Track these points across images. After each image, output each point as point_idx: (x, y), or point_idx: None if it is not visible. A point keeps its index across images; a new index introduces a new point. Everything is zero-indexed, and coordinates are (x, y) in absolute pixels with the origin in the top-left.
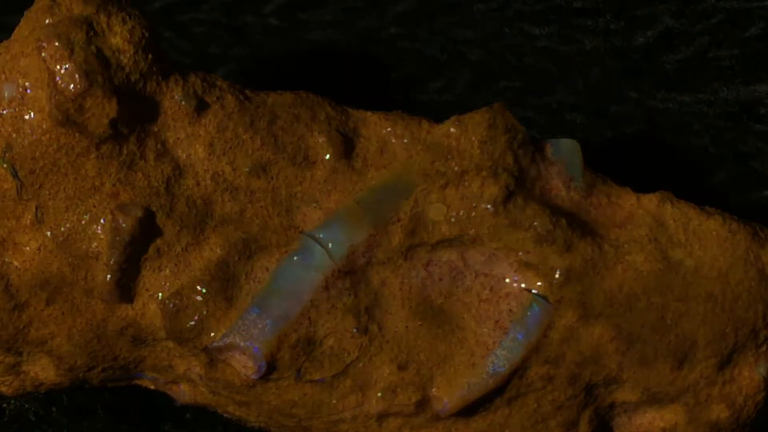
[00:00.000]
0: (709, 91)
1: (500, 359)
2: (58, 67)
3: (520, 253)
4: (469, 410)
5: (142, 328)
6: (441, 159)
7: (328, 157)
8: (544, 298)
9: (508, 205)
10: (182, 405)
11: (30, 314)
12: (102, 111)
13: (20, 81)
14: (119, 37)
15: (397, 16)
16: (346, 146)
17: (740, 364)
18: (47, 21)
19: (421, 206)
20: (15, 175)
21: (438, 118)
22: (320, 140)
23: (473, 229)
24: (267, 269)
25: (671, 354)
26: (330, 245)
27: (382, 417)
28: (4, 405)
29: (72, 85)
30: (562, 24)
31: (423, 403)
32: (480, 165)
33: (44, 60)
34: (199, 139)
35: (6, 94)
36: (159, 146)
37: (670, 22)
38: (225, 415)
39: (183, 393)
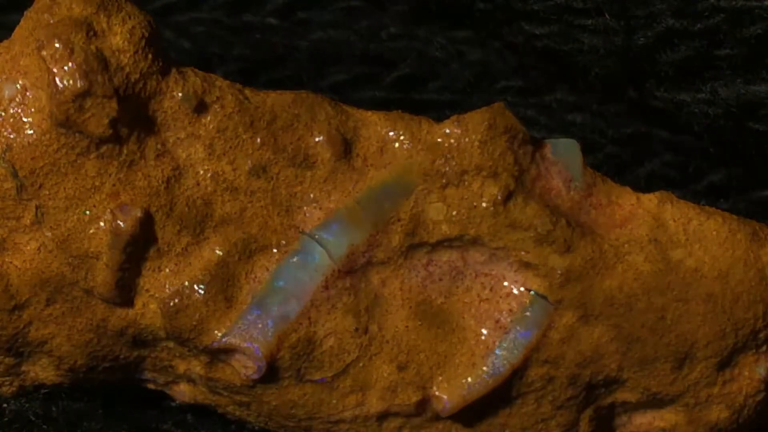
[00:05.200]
0: (709, 91)
1: (500, 359)
2: (58, 67)
3: (520, 253)
4: (469, 410)
5: (142, 328)
6: (441, 159)
7: (328, 157)
8: (544, 298)
9: (508, 205)
10: (182, 405)
11: (30, 314)
12: (102, 111)
13: (20, 81)
14: (119, 37)
15: (397, 16)
16: (346, 146)
17: (740, 365)
18: (47, 21)
19: (421, 206)
20: (15, 175)
21: (438, 118)
22: (320, 140)
23: (473, 229)
24: (267, 269)
25: (671, 354)
26: (330, 245)
27: (382, 417)
28: (4, 405)
29: (72, 85)
30: (562, 24)
31: (423, 403)
32: (480, 165)
33: (44, 60)
34: (199, 139)
35: (6, 94)
36: (159, 146)
37: (670, 22)
38: (225, 415)
39: (183, 393)
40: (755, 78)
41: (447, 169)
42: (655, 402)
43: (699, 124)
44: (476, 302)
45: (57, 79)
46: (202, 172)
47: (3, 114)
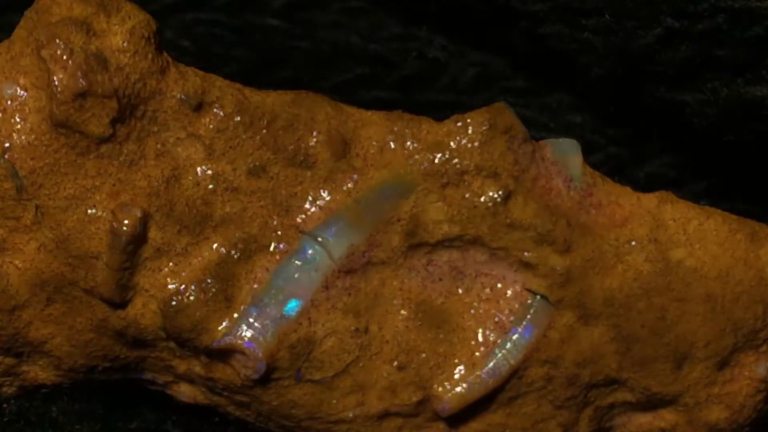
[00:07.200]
0: (709, 91)
1: (500, 359)
2: (58, 67)
3: (520, 253)
4: (469, 410)
5: (142, 328)
6: (441, 159)
7: (327, 156)
8: (544, 298)
9: (508, 205)
10: (182, 405)
11: (30, 314)
12: (102, 111)
13: (20, 81)
14: (119, 37)
15: (397, 16)
16: (346, 146)
17: (740, 365)
18: (47, 21)
19: (421, 206)
20: (15, 175)
21: (438, 118)
22: (320, 140)
23: (473, 229)
24: (267, 269)
25: (671, 354)
26: (330, 245)
27: (382, 417)
28: (4, 405)
29: (72, 85)
30: (562, 24)
31: (423, 403)
32: (480, 165)
33: (44, 60)
34: (199, 139)
35: (6, 94)
36: (159, 146)
37: (670, 22)
38: (225, 415)
39: (183, 393)
40: (755, 78)
41: (447, 169)
42: (654, 402)
43: (699, 124)
44: (476, 302)
45: (57, 79)
46: (202, 172)
47: (3, 114)
